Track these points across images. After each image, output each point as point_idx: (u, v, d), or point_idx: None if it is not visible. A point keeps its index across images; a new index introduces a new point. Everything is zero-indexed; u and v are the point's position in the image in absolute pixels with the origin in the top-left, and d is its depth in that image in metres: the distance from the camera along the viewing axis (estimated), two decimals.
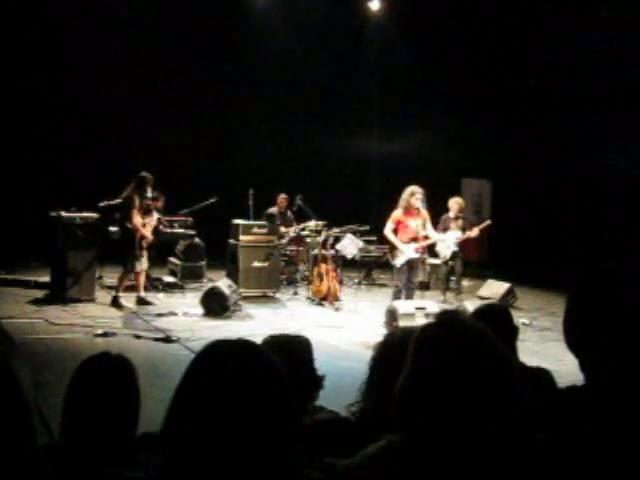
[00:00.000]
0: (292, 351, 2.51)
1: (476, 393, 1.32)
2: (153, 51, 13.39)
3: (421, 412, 1.36)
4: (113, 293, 9.76)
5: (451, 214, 11.14)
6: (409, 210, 9.12)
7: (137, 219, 9.52)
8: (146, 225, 9.82)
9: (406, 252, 9.10)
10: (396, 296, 9.26)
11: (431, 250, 11.07)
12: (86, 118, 12.97)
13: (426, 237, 9.30)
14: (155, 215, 10.25)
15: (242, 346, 1.31)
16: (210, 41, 14.00)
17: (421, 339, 1.43)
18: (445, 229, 11.05)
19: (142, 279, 9.91)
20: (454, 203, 11.19)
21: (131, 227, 9.52)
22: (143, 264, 9.74)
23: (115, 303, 9.59)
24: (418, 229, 9.18)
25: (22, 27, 12.55)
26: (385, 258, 11.39)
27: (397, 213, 9.20)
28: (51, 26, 12.70)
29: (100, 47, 13.01)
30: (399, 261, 9.14)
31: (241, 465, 1.18)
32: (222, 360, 1.26)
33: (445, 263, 11.20)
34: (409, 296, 9.23)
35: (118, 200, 10.65)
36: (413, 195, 9.04)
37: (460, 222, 11.10)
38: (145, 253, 9.77)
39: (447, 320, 1.47)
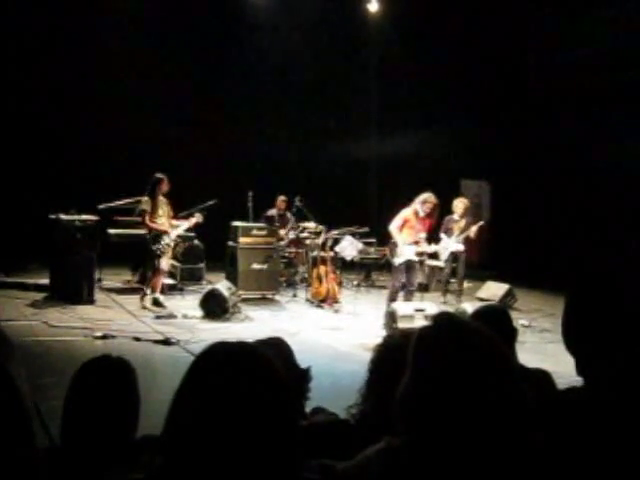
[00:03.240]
0: (276, 350, 2.51)
1: (476, 394, 1.32)
2: (153, 52, 13.41)
3: (422, 414, 1.36)
4: (149, 294, 9.80)
5: (455, 216, 11.08)
6: (417, 214, 9.10)
7: (149, 220, 9.53)
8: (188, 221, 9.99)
9: (406, 253, 9.09)
10: (392, 297, 9.23)
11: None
12: (86, 119, 12.96)
13: (417, 242, 9.24)
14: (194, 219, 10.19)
15: (242, 348, 1.31)
16: (210, 42, 14.00)
17: (420, 341, 1.43)
18: (447, 230, 11.05)
19: (161, 280, 9.93)
20: (460, 203, 11.11)
21: (148, 228, 9.60)
22: (162, 263, 9.73)
23: (156, 303, 9.67)
24: (421, 233, 9.17)
25: (22, 27, 12.53)
26: (384, 260, 11.39)
27: (406, 212, 9.12)
28: (51, 26, 12.68)
29: (100, 48, 13.01)
30: (398, 260, 9.10)
31: (241, 467, 1.18)
32: (222, 362, 1.26)
33: (447, 265, 11.18)
34: (408, 298, 9.21)
35: (118, 202, 10.66)
36: (425, 203, 8.98)
37: (463, 223, 11.08)
38: (167, 253, 9.73)
39: (445, 321, 1.47)
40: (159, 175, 9.67)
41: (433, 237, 9.46)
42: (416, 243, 9.15)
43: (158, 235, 9.61)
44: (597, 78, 12.78)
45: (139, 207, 9.75)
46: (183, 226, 10.05)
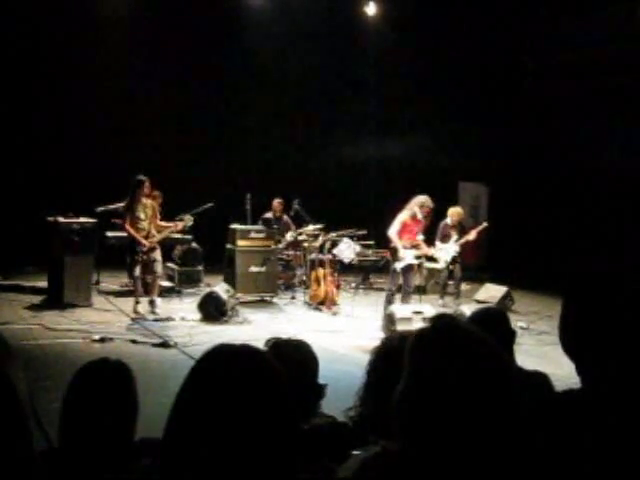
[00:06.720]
0: (297, 358, 2.51)
1: (473, 397, 1.32)
2: (151, 53, 13.39)
3: (419, 417, 1.35)
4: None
5: (449, 221, 11.14)
6: (414, 217, 9.19)
7: (128, 224, 9.38)
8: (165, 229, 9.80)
9: (407, 257, 9.15)
10: (389, 300, 9.28)
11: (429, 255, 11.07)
12: (84, 122, 12.95)
13: (415, 246, 9.34)
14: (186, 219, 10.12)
15: (245, 351, 1.30)
16: (209, 44, 13.99)
17: (416, 344, 1.43)
18: (445, 236, 11.06)
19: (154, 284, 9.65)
20: (454, 213, 11.18)
21: (127, 233, 9.51)
22: (137, 271, 9.42)
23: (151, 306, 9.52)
24: (419, 236, 9.31)
25: (21, 28, 12.51)
26: (382, 262, 11.38)
27: (404, 216, 9.21)
28: (50, 27, 12.66)
29: (98, 50, 13.01)
30: (400, 264, 9.16)
31: (240, 469, 1.18)
32: (225, 365, 1.26)
33: (446, 268, 11.21)
34: (405, 300, 9.26)
35: (116, 205, 10.65)
36: (422, 207, 9.10)
37: (458, 229, 11.12)
38: (150, 258, 9.44)
39: (442, 324, 1.47)
40: (140, 177, 9.44)
41: (428, 239, 9.56)
42: (415, 247, 9.25)
43: (133, 243, 9.38)
44: (597, 79, 12.78)
45: (121, 210, 9.66)
46: (165, 232, 9.80)
